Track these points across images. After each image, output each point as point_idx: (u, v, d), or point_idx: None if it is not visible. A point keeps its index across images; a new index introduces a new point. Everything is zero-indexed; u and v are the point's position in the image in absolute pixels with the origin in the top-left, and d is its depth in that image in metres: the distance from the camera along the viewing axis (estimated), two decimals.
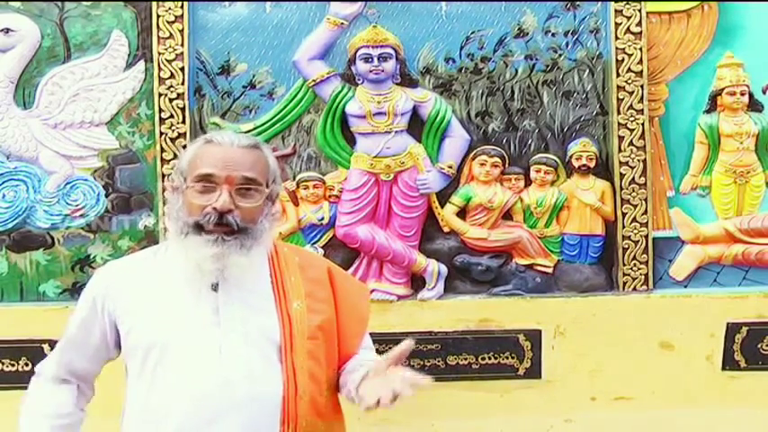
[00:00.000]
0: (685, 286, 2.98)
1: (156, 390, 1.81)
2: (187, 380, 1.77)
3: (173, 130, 2.86)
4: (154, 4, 2.86)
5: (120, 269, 2.00)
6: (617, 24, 2.90)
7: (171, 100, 2.86)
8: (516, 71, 2.94)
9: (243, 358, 1.82)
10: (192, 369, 1.80)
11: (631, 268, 2.94)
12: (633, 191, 2.93)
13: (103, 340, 1.93)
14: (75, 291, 2.88)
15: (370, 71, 2.84)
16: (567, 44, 2.93)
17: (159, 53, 2.86)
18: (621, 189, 2.93)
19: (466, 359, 2.92)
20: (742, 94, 2.94)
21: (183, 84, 2.86)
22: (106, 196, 2.90)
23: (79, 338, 1.95)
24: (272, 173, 1.94)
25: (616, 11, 2.90)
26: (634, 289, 2.95)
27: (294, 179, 2.91)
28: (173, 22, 2.85)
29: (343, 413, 2.02)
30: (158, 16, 2.85)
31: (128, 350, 1.90)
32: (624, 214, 2.94)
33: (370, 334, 2.66)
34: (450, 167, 2.91)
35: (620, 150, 2.92)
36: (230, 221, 1.82)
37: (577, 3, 2.92)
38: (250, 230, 1.85)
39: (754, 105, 2.97)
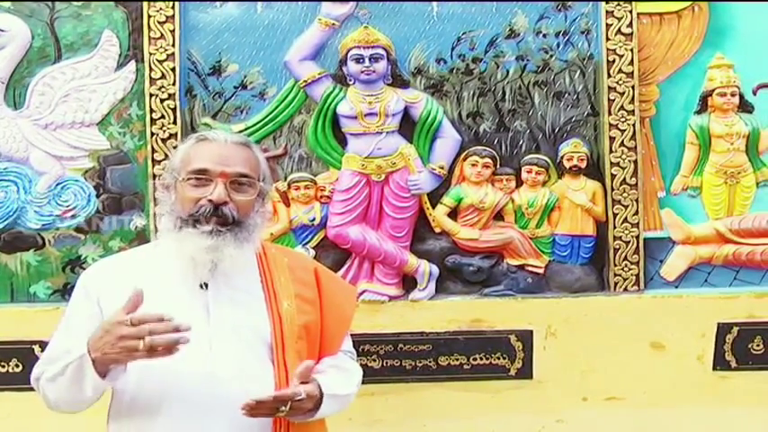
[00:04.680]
0: (676, 286, 2.99)
1: (145, 386, 1.81)
2: (177, 376, 1.77)
3: (164, 131, 2.85)
4: (145, 4, 2.85)
5: (110, 266, 2.02)
6: (608, 25, 2.91)
7: (162, 100, 2.85)
8: (507, 72, 2.94)
9: (233, 356, 1.84)
10: (181, 366, 1.79)
11: (622, 269, 2.95)
12: (624, 191, 2.93)
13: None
14: (66, 292, 2.86)
15: (362, 72, 2.84)
16: (558, 45, 2.93)
17: (150, 53, 2.85)
18: (612, 190, 2.93)
19: (457, 360, 2.92)
20: (732, 95, 2.94)
21: (174, 84, 2.85)
22: (97, 197, 2.89)
23: (78, 322, 1.92)
24: (262, 170, 1.99)
25: (607, 12, 2.91)
26: (625, 289, 2.95)
27: (285, 180, 2.91)
28: (164, 23, 2.85)
29: None
30: (149, 16, 2.84)
31: None
32: (615, 215, 2.94)
33: (362, 334, 2.69)
34: (442, 168, 2.91)
35: (611, 151, 2.93)
36: (226, 213, 1.86)
37: (568, 4, 2.92)
38: (244, 224, 1.89)
39: (744, 106, 2.97)
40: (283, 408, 1.73)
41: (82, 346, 1.72)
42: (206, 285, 1.89)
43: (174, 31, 2.85)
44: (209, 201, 1.86)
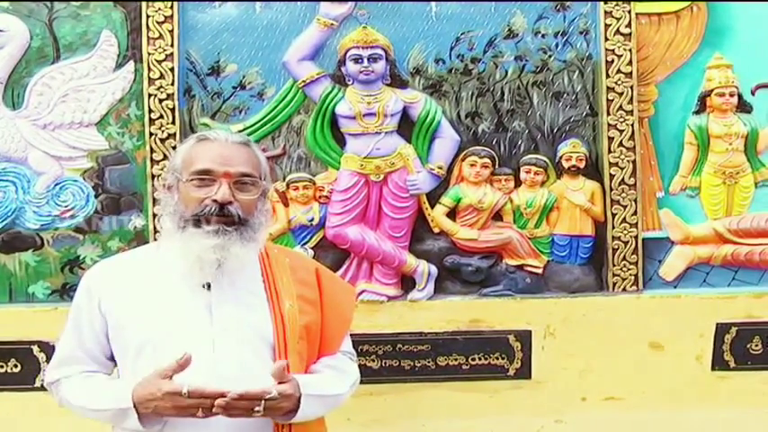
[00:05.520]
0: (675, 287, 2.99)
1: None
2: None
3: (162, 131, 2.85)
4: (143, 4, 2.84)
5: (112, 267, 2.03)
6: (606, 25, 2.91)
7: (161, 100, 2.85)
8: (506, 72, 2.94)
9: (236, 356, 1.84)
10: None
11: (621, 269, 2.95)
12: (623, 191, 2.93)
13: (102, 330, 1.94)
14: (64, 292, 2.87)
15: (360, 72, 2.84)
16: (556, 45, 2.93)
17: (149, 53, 2.85)
18: (611, 190, 2.94)
19: (456, 360, 2.92)
20: (731, 96, 2.95)
21: (172, 84, 2.85)
22: (96, 197, 2.89)
23: (81, 325, 1.95)
24: (263, 169, 2.00)
25: (605, 12, 2.91)
26: (624, 289, 2.95)
27: (284, 180, 2.91)
28: (162, 23, 2.85)
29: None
30: (148, 17, 2.84)
31: (119, 348, 1.92)
32: (614, 215, 2.94)
33: (361, 335, 2.69)
34: (440, 168, 2.91)
35: (609, 151, 2.93)
36: (232, 212, 1.87)
37: (567, 4, 2.92)
38: (249, 222, 1.90)
39: (743, 106, 2.97)
40: (258, 407, 1.73)
41: (126, 397, 1.78)
42: (208, 286, 1.90)
43: (172, 31, 2.85)
44: (214, 201, 1.86)
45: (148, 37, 2.85)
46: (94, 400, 1.87)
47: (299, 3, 2.89)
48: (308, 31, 2.88)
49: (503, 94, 2.94)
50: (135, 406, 1.76)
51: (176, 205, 1.92)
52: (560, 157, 2.94)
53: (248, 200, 1.91)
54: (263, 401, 1.73)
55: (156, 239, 2.72)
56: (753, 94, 2.99)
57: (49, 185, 2.88)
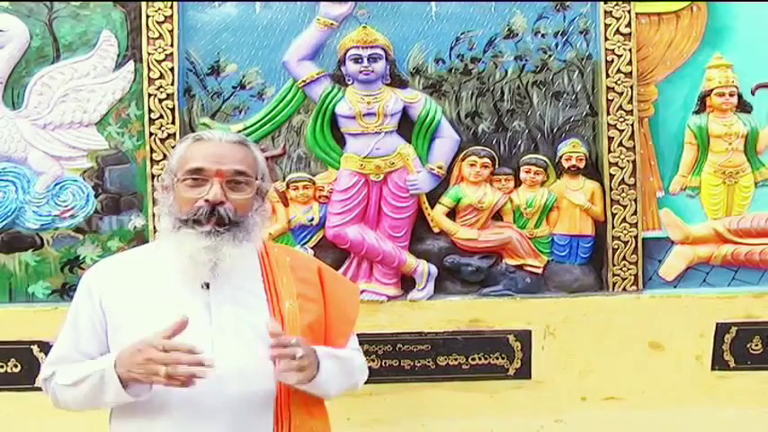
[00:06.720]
0: (675, 286, 2.99)
1: None
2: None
3: (162, 131, 2.85)
4: (143, 4, 2.85)
5: (112, 267, 2.03)
6: (606, 25, 2.91)
7: (160, 100, 2.85)
8: (506, 72, 2.94)
9: (235, 356, 1.84)
10: None
11: (621, 269, 2.95)
12: (623, 191, 2.93)
13: (103, 327, 1.93)
14: (64, 292, 2.87)
15: (360, 72, 2.84)
16: (556, 45, 2.93)
17: (149, 53, 2.85)
18: (611, 190, 2.94)
19: (456, 360, 2.92)
20: (731, 95, 2.95)
21: (172, 84, 2.85)
22: (95, 197, 2.89)
23: (81, 322, 1.95)
24: (260, 168, 1.99)
25: (605, 12, 2.91)
26: (624, 289, 2.95)
27: (284, 180, 2.91)
28: (162, 23, 2.84)
29: (327, 412, 2.03)
30: (148, 16, 2.84)
31: (118, 347, 1.90)
32: (614, 215, 2.94)
33: (361, 334, 2.68)
34: (440, 168, 2.91)
35: (609, 151, 2.93)
36: (222, 213, 1.86)
37: (567, 4, 2.93)
38: (242, 223, 1.89)
39: (742, 106, 2.97)
40: (299, 352, 1.74)
41: (104, 358, 1.77)
42: (207, 285, 1.90)
43: (172, 31, 2.85)
44: (206, 201, 1.85)
45: (148, 37, 2.85)
46: (79, 372, 1.84)
47: (298, 3, 2.89)
48: (308, 31, 2.88)
49: (503, 93, 2.94)
50: (116, 365, 1.74)
51: (171, 206, 1.92)
52: (560, 157, 2.94)
53: (242, 199, 1.90)
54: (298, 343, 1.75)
55: (156, 239, 2.72)
56: (753, 93, 2.99)
57: (49, 185, 2.88)
